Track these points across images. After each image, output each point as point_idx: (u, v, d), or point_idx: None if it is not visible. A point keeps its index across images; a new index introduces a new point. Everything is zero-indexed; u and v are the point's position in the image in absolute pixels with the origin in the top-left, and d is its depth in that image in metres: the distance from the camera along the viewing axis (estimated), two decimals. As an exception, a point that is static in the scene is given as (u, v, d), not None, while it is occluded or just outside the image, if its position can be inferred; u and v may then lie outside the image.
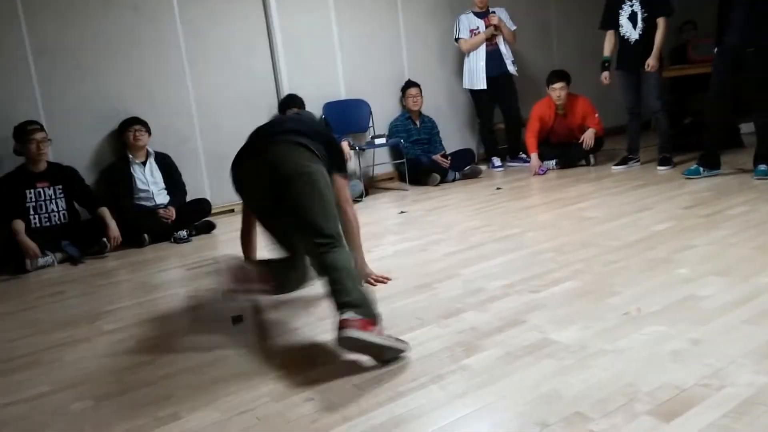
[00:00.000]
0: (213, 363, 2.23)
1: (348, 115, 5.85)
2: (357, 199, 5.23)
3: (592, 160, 5.79)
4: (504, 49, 6.04)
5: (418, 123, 6.00)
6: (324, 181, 2.39)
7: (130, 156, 4.63)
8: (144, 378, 2.16)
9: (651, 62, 4.97)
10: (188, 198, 4.80)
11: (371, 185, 5.94)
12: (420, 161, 5.76)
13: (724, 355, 1.87)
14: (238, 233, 2.86)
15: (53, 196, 4.24)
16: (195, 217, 4.64)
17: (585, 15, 6.58)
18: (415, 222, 4.25)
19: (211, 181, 5.20)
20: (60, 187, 4.27)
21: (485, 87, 6.02)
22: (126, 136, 4.62)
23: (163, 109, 4.96)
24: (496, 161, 6.22)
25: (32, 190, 4.18)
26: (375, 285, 2.90)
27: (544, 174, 5.62)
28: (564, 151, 5.79)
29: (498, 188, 5.17)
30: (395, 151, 6.14)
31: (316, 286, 2.99)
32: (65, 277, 3.75)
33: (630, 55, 5.13)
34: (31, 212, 4.16)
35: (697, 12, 7.16)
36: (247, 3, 5.31)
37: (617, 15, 5.18)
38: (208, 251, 4.06)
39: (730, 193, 4.03)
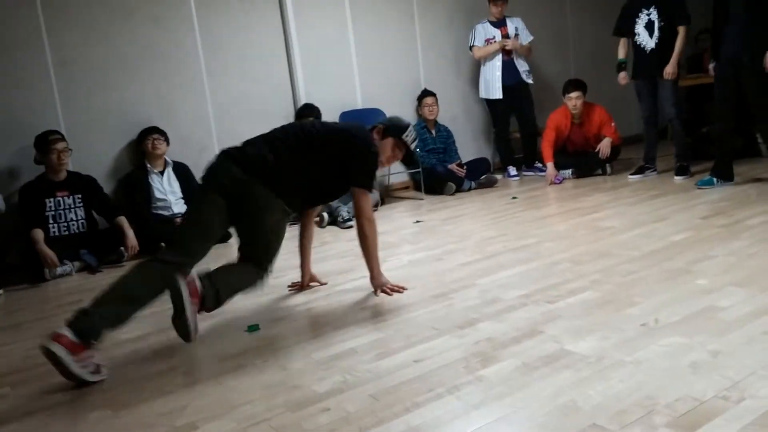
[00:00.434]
0: (229, 372, 2.24)
1: (364, 124, 5.85)
2: (373, 208, 5.21)
3: (608, 170, 5.75)
4: (519, 60, 6.05)
5: (433, 132, 6.01)
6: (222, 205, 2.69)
7: (149, 165, 4.67)
8: (161, 387, 2.18)
9: (669, 69, 4.94)
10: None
11: (387, 194, 5.94)
12: (436, 170, 5.76)
13: (743, 366, 1.85)
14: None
15: (72, 205, 4.29)
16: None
17: (601, 24, 6.54)
18: (431, 231, 4.25)
19: (228, 190, 5.22)
20: (79, 196, 4.30)
21: (501, 96, 6.02)
22: (144, 145, 4.66)
23: (182, 119, 5.00)
24: (512, 170, 6.20)
25: (52, 199, 4.21)
26: (391, 294, 2.90)
27: (560, 183, 5.60)
28: (580, 161, 5.77)
29: (514, 197, 5.16)
30: (411, 160, 6.14)
31: (324, 295, 3.00)
32: (83, 286, 3.78)
33: (646, 63, 5.10)
34: (51, 221, 4.20)
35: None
36: (265, 14, 5.36)
37: (633, 23, 5.16)
38: (224, 261, 4.06)
39: (748, 203, 3.99)
